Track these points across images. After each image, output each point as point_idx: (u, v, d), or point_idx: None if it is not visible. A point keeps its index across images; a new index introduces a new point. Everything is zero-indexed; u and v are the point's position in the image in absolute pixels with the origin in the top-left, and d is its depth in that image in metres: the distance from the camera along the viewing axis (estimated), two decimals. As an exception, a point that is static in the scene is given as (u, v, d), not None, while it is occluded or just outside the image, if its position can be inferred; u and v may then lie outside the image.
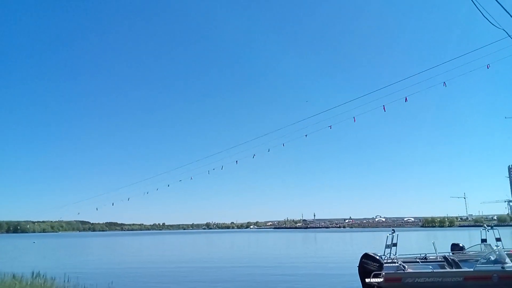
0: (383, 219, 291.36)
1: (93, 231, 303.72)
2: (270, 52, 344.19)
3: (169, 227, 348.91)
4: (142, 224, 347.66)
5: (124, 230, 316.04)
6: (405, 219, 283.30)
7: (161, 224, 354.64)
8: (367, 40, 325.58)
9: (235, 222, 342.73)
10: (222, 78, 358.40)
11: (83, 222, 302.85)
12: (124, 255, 49.22)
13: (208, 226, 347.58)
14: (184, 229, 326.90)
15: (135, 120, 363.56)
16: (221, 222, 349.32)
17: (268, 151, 31.74)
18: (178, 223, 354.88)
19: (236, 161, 34.69)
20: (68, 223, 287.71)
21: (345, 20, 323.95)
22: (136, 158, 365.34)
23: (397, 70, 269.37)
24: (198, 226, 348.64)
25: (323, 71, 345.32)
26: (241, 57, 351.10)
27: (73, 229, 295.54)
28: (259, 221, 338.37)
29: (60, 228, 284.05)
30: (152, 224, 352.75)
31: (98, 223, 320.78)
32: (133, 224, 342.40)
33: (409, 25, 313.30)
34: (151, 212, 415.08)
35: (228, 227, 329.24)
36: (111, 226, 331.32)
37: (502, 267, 15.55)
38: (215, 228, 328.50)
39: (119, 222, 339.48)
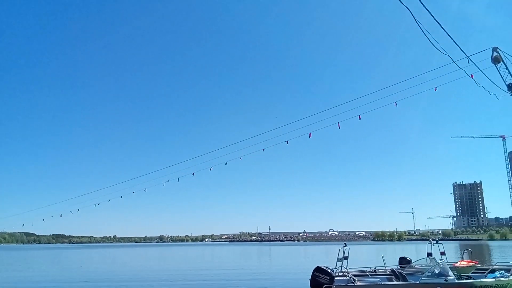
0: (336, 233, 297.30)
1: (39, 243, 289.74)
2: (229, 65, 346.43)
3: (120, 239, 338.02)
4: (92, 236, 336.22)
5: (73, 243, 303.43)
6: (357, 233, 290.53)
7: (112, 237, 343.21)
8: (328, 59, 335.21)
9: (189, 235, 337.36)
10: (181, 92, 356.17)
11: (27, 234, 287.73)
12: (69, 270, 46.91)
13: (161, 239, 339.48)
14: (136, 242, 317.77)
15: (88, 132, 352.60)
16: (175, 235, 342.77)
17: (226, 164, 31.56)
18: (130, 236, 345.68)
19: (193, 174, 34.20)
20: (11, 235, 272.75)
21: (306, 39, 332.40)
22: (87, 168, 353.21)
23: (353, 89, 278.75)
24: (151, 239, 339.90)
25: (285, 85, 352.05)
26: (202, 70, 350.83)
27: (17, 241, 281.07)
28: (214, 234, 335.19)
29: (3, 240, 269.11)
30: (102, 236, 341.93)
31: (44, 235, 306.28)
32: (82, 237, 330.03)
33: (367, 48, 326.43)
34: (102, 224, 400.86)
35: (182, 240, 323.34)
36: (58, 239, 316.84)
37: (446, 280, 16.18)
38: (169, 241, 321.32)
39: (67, 234, 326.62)
